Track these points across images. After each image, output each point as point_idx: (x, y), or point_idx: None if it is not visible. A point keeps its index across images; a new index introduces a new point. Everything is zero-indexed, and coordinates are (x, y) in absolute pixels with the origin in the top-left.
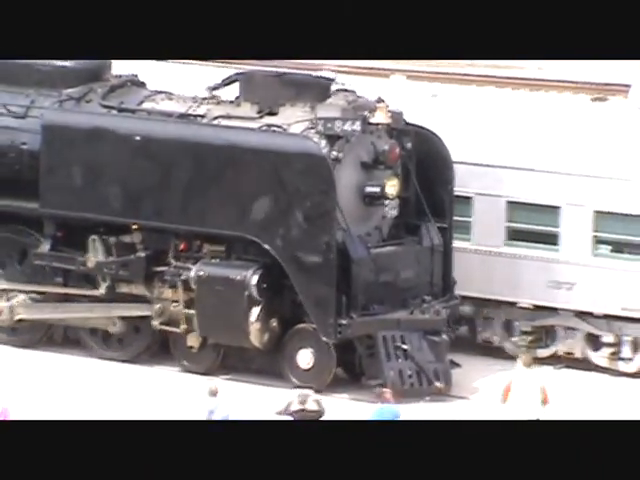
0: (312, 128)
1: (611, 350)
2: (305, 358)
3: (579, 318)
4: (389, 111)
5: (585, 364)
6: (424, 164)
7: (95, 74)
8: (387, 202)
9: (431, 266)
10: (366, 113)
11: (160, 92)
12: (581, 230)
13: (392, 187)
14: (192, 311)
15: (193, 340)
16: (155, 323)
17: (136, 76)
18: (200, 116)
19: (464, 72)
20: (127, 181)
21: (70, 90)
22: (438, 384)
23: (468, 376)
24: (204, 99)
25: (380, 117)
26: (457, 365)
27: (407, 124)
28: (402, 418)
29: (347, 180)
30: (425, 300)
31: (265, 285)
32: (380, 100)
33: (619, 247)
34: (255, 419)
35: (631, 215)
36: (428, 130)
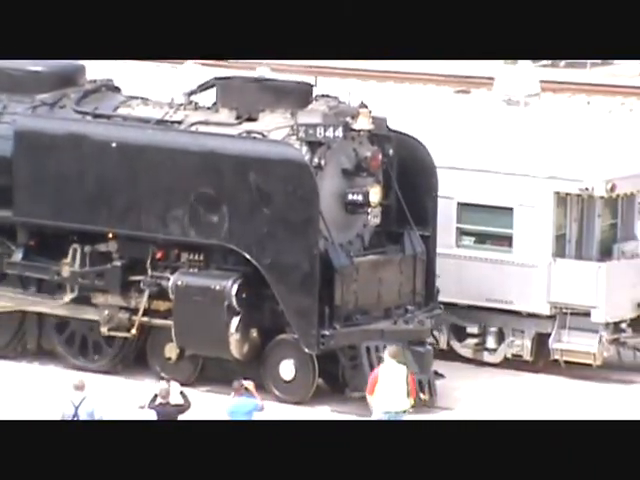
0: (293, 135)
1: (476, 341)
2: (287, 369)
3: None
4: (371, 117)
5: (451, 355)
6: (406, 171)
7: (68, 79)
8: (370, 210)
9: (414, 275)
10: (348, 119)
11: (135, 97)
12: (446, 222)
13: (375, 194)
14: (145, 319)
15: (171, 351)
16: (104, 329)
17: (111, 81)
18: (177, 122)
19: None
20: (103, 189)
21: (43, 95)
22: (422, 396)
23: (451, 386)
24: (181, 105)
25: (363, 123)
26: (441, 376)
27: (389, 130)
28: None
29: (329, 187)
30: (408, 310)
31: (245, 295)
32: (363, 105)
33: (482, 239)
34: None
35: (493, 207)
36: (410, 136)
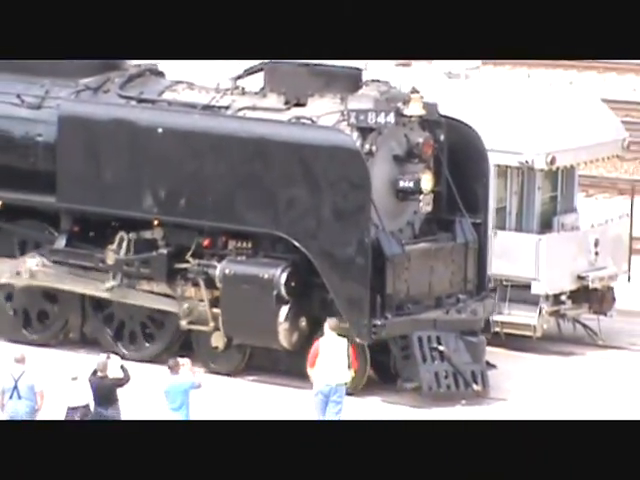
0: (344, 120)
1: None
2: None
3: None
4: (423, 102)
5: None
6: (456, 156)
7: (112, 63)
8: (421, 197)
9: (465, 263)
10: (399, 104)
11: (181, 82)
12: None
13: (427, 181)
14: (217, 310)
15: (218, 340)
16: (183, 323)
17: (155, 65)
18: (224, 107)
19: None
20: (149, 175)
21: (86, 80)
22: (476, 387)
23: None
24: (227, 89)
25: (414, 108)
26: (493, 366)
27: (440, 115)
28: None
29: (380, 174)
30: (460, 299)
31: (294, 283)
32: (414, 91)
33: None
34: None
35: None
36: (460, 121)
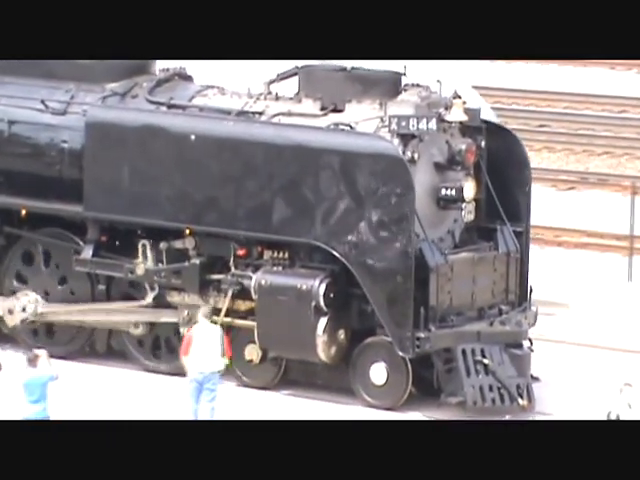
0: (384, 127)
1: None
2: (378, 373)
3: None
4: (465, 108)
5: None
6: (496, 163)
7: (139, 67)
8: (464, 205)
9: (507, 273)
10: (441, 110)
11: (211, 87)
12: None
13: (469, 189)
14: (228, 319)
15: (252, 353)
16: (182, 330)
17: (184, 69)
18: (258, 113)
19: None
20: (180, 183)
21: (113, 85)
22: (521, 401)
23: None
24: (260, 94)
25: (457, 114)
26: (537, 379)
27: (482, 121)
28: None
29: (421, 182)
30: (502, 310)
31: (332, 294)
32: (456, 96)
33: None
34: None
35: None
36: (501, 126)
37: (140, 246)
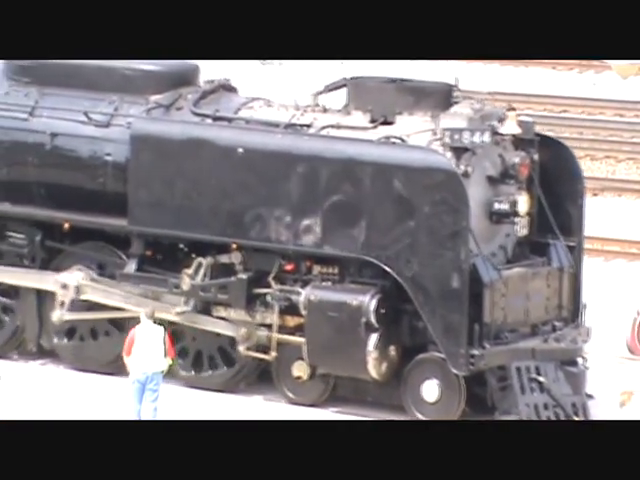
0: (437, 140)
1: None
2: (431, 391)
3: None
4: (519, 120)
5: None
6: (549, 176)
7: (183, 78)
8: (517, 220)
9: (560, 289)
10: (494, 122)
11: (257, 98)
12: None
13: (523, 203)
14: (283, 336)
15: (301, 370)
16: (241, 348)
17: (228, 80)
18: (306, 126)
19: None
20: (228, 197)
21: (157, 96)
22: (577, 419)
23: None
24: (308, 106)
25: (510, 127)
26: (591, 397)
27: (536, 134)
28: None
29: (474, 196)
30: (555, 326)
31: (383, 310)
32: (511, 108)
33: None
34: None
35: None
36: (553, 139)
37: (195, 263)
